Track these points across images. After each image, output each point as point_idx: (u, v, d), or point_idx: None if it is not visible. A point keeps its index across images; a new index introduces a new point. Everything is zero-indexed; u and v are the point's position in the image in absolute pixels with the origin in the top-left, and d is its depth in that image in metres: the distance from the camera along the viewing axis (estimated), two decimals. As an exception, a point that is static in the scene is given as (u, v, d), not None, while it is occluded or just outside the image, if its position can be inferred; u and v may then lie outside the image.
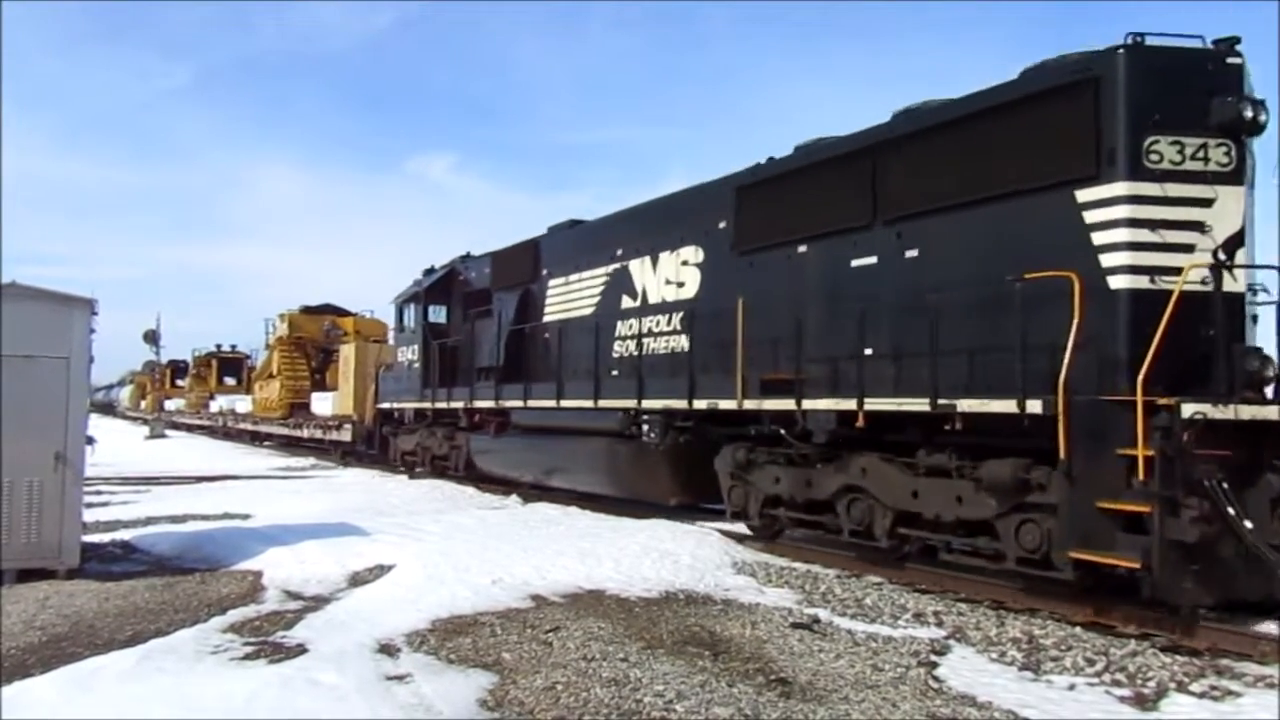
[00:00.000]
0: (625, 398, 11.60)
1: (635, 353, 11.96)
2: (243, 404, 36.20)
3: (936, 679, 5.62)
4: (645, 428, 11.22)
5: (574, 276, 13.68)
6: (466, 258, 17.76)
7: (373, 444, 21.41)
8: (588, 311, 13.21)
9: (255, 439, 33.32)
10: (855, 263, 8.85)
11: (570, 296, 13.78)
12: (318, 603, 7.58)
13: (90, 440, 8.77)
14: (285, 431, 29.12)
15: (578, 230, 14.44)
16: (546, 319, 14.30)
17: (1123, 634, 6.55)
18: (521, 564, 8.61)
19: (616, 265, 12.65)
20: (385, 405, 20.18)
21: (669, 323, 11.47)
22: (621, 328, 12.37)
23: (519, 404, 14.13)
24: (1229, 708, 5.18)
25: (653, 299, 11.85)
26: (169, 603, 7.54)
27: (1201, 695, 5.37)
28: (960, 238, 7.95)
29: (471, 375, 16.14)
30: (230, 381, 44.71)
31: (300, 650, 6.05)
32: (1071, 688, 5.51)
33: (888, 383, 8.30)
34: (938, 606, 7.43)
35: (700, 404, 10.37)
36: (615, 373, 12.22)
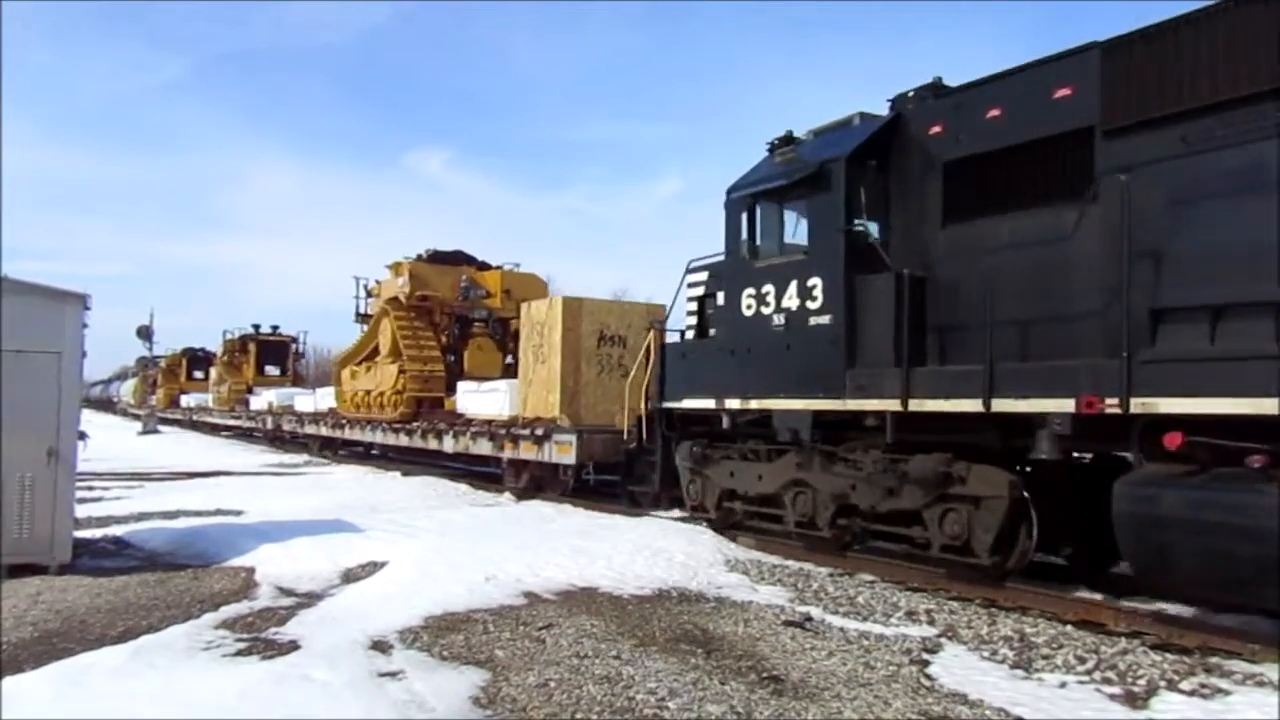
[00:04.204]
0: None
1: None
2: (306, 399, 27.06)
3: (928, 677, 5.64)
4: None
5: None
6: (936, 88, 8.76)
7: (636, 473, 12.54)
8: None
9: (328, 446, 24.63)
10: None
11: None
12: (310, 599, 7.57)
13: (83, 435, 8.76)
14: (408, 442, 18.94)
15: None
16: None
17: (1113, 632, 6.59)
18: (515, 561, 8.61)
19: None
20: (688, 405, 11.01)
21: None
22: None
23: None
24: (1219, 706, 5.21)
25: None
26: (161, 599, 7.52)
27: (1191, 693, 5.40)
28: None
29: (1041, 333, 7.48)
30: (272, 371, 36.33)
31: (293, 647, 6.05)
32: (1062, 686, 5.53)
33: None
34: (930, 605, 7.46)
35: None
36: None
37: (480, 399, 17.09)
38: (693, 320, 11.52)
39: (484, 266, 21.38)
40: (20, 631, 6.44)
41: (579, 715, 4.89)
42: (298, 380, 35.99)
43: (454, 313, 20.86)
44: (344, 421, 22.54)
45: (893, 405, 8.22)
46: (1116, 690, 5.45)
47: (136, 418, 46.33)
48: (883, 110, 9.20)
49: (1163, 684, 5.53)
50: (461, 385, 18.30)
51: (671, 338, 11.78)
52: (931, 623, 6.98)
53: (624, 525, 11.01)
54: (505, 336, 20.81)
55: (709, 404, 10.55)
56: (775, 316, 9.56)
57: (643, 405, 11.83)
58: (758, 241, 10.04)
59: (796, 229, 9.76)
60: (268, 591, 7.85)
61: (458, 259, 21.28)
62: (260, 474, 19.61)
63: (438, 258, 21.04)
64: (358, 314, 23.37)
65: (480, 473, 18.34)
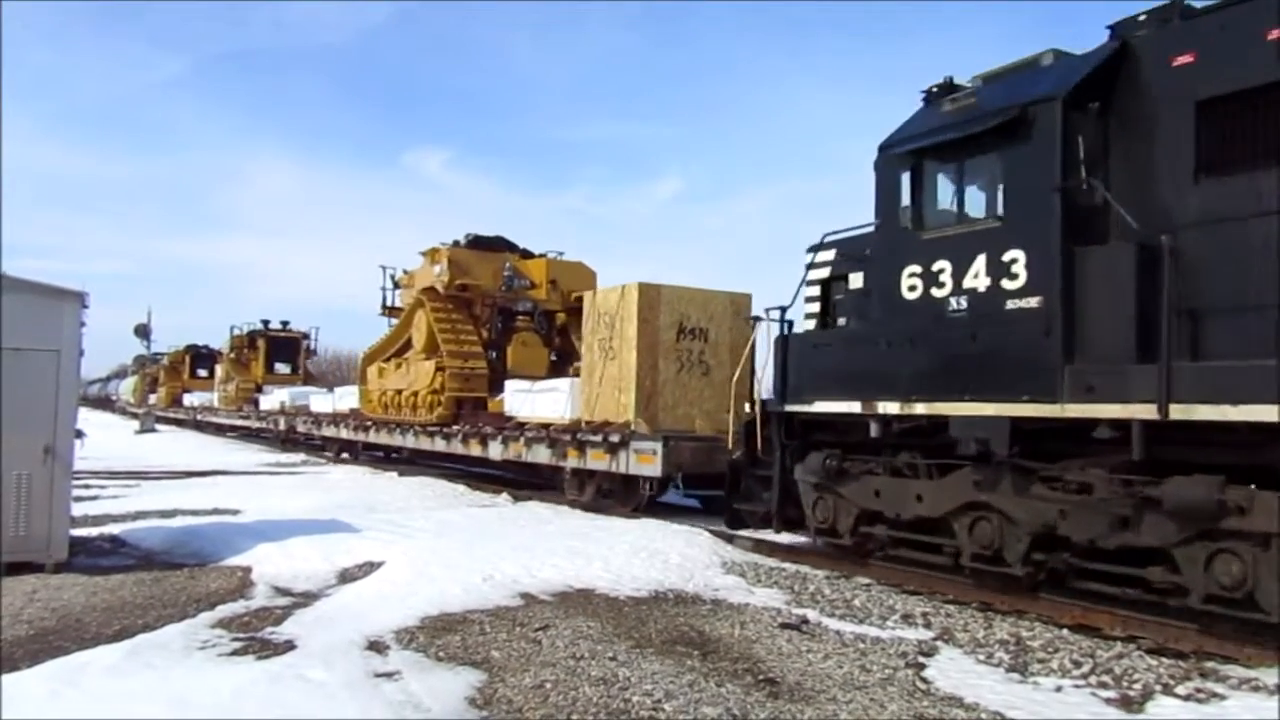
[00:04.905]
0: None
1: None
2: (323, 399, 25.20)
3: (924, 680, 5.65)
4: None
5: None
6: (1182, 7, 7.10)
7: (743, 488, 10.61)
8: None
9: (347, 450, 22.97)
10: None
11: None
12: (307, 599, 7.57)
13: (79, 434, 8.76)
14: (445, 447, 17.36)
15: None
16: None
17: (1109, 636, 6.59)
18: (511, 562, 8.61)
19: None
20: (821, 408, 9.10)
21: None
22: None
23: None
24: (1214, 710, 5.22)
25: None
26: (157, 598, 7.51)
27: (1187, 697, 5.41)
28: None
29: None
30: (283, 369, 34.84)
31: (289, 646, 6.05)
32: (1058, 689, 5.54)
33: None
34: (926, 608, 7.46)
35: None
36: None
37: (534, 400, 15.15)
38: (814, 308, 9.82)
39: (527, 254, 19.49)
40: (16, 629, 6.43)
41: (575, 717, 4.89)
42: (309, 379, 34.76)
43: (496, 304, 18.81)
44: (369, 424, 20.68)
45: (1144, 412, 6.33)
46: (1112, 694, 5.45)
47: (135, 416, 45.88)
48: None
49: (1158, 688, 5.53)
50: (510, 384, 16.34)
51: (776, 329, 10.02)
52: (928, 626, 6.98)
53: (621, 527, 11.01)
54: (551, 331, 19.42)
55: (853, 407, 8.63)
56: (954, 299, 7.74)
57: (749, 407, 10.14)
58: (924, 208, 8.16)
59: (963, 192, 8.01)
60: (264, 591, 7.84)
61: (500, 245, 19.30)
62: (258, 473, 19.60)
63: (478, 243, 19.05)
64: (384, 306, 21.25)
65: (478, 474, 18.29)
